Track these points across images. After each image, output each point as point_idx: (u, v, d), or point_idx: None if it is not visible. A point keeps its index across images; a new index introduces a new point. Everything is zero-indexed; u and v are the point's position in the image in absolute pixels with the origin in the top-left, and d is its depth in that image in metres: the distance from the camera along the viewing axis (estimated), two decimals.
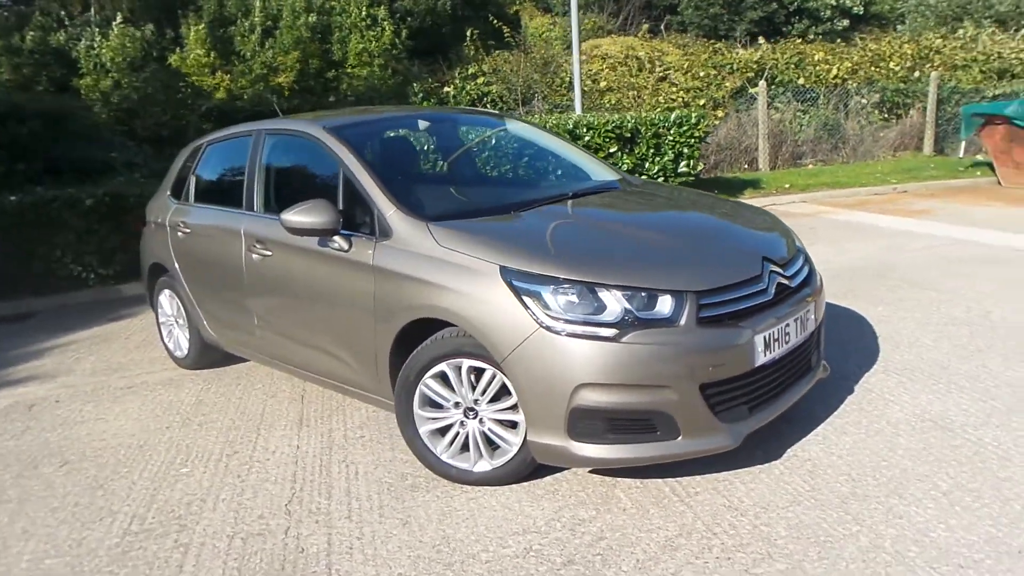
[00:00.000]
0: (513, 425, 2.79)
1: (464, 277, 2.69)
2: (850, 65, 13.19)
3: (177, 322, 4.67)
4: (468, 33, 12.17)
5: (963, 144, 10.84)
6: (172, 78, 11.09)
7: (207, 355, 4.59)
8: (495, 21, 15.21)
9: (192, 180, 4.42)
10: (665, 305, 2.52)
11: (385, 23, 16.31)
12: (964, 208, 8.35)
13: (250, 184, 3.81)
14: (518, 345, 2.54)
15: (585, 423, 2.52)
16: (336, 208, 3.10)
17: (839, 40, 16.12)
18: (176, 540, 2.71)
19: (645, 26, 21.18)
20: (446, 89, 10.90)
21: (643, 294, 2.53)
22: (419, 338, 2.93)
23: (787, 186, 10.21)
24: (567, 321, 2.50)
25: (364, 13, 17.91)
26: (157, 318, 4.87)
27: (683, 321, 2.51)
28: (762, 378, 2.72)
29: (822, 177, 10.68)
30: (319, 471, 3.17)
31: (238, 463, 3.32)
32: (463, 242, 2.78)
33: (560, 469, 2.94)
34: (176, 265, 4.39)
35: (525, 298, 2.55)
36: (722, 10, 29.30)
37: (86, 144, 8.67)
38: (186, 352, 4.63)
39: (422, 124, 3.76)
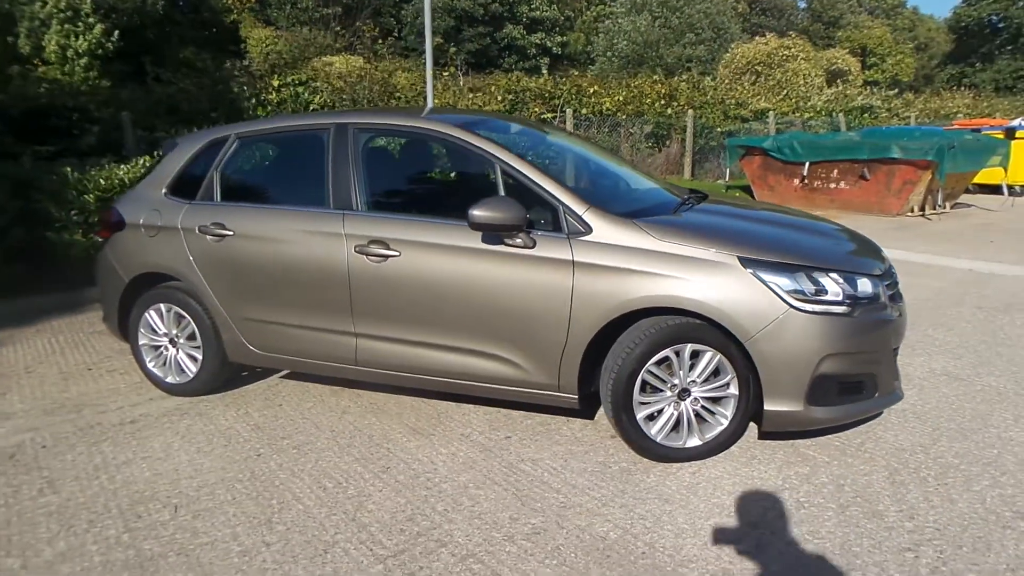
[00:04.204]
0: (716, 401, 3.10)
1: (701, 268, 2.94)
2: (620, 99, 15.08)
3: (175, 342, 4.01)
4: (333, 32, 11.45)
5: (728, 171, 13.12)
6: None
7: (220, 377, 4.04)
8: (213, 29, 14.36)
9: (216, 176, 3.86)
10: (867, 286, 3.05)
11: (91, 18, 14.29)
12: None
13: (343, 181, 3.51)
14: (767, 325, 2.87)
15: (822, 389, 2.94)
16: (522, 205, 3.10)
17: (544, 74, 18.05)
18: (480, 561, 2.53)
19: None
20: (269, 96, 10.23)
21: (849, 276, 3.03)
22: (614, 331, 3.09)
23: None
24: (808, 301, 2.90)
25: (64, 3, 15.60)
26: (136, 340, 4.10)
27: (883, 298, 3.07)
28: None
29: None
30: (511, 472, 3.11)
31: (406, 477, 3.09)
32: (689, 237, 3.02)
33: (736, 440, 3.29)
34: (199, 274, 3.80)
35: (771, 284, 2.89)
36: (442, 40, 31.17)
37: None
38: (192, 375, 3.99)
39: (514, 128, 3.82)
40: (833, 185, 11.10)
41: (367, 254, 3.40)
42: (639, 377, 3.03)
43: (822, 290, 2.95)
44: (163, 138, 9.88)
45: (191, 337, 3.96)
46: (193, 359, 3.98)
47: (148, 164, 6.95)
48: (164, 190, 4.01)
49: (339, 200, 3.52)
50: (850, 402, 3.04)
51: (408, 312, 3.39)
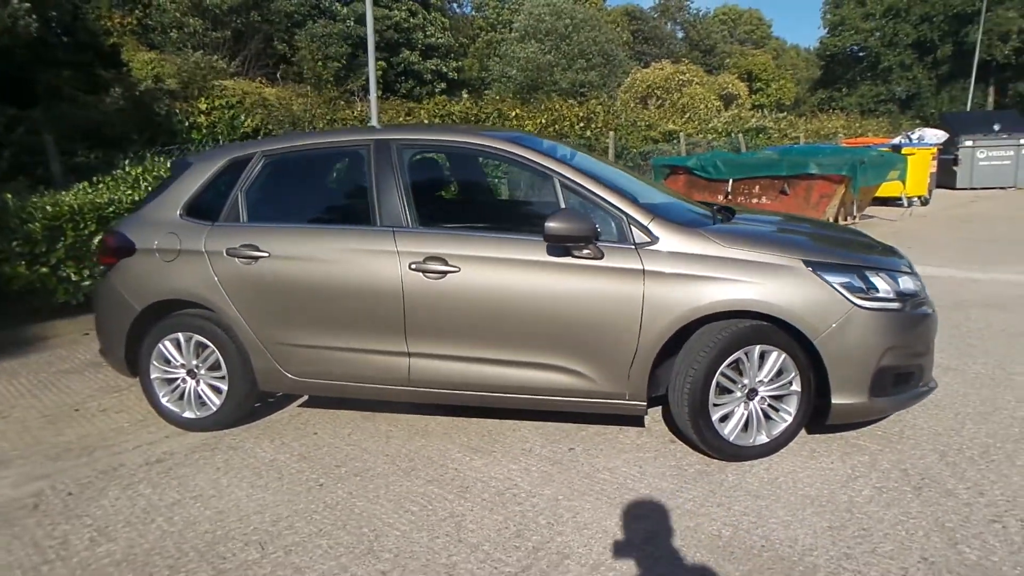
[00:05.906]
0: (779, 399, 3.26)
1: (770, 273, 3.09)
2: (542, 121, 15.41)
3: (195, 373, 3.77)
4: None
5: None
6: None
7: (244, 409, 3.83)
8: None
9: (241, 196, 3.68)
10: (908, 283, 3.30)
11: None
12: None
13: (390, 198, 3.44)
14: (835, 323, 3.05)
15: (882, 381, 3.14)
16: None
17: (440, 98, 18.15)
18: (613, 568, 2.53)
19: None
20: (199, 119, 9.78)
21: (892, 275, 3.26)
22: (678, 337, 3.19)
23: None
24: (867, 299, 3.10)
25: None
26: (147, 374, 3.82)
27: (922, 294, 3.33)
28: None
29: None
30: (593, 482, 3.12)
31: (490, 495, 3.05)
32: (754, 243, 3.17)
33: (796, 435, 3.43)
34: (227, 299, 3.60)
35: (835, 285, 3.08)
36: (339, 64, 30.91)
37: None
38: (215, 408, 3.76)
39: (546, 144, 3.87)
40: (755, 200, 11.78)
41: (424, 271, 3.34)
42: (714, 379, 3.14)
43: (873, 288, 3.16)
44: (83, 163, 9.27)
45: (214, 367, 3.74)
46: (216, 391, 3.76)
47: (87, 189, 6.52)
48: (179, 212, 3.78)
49: (387, 217, 3.45)
50: (903, 392, 3.27)
51: (468, 328, 3.36)
